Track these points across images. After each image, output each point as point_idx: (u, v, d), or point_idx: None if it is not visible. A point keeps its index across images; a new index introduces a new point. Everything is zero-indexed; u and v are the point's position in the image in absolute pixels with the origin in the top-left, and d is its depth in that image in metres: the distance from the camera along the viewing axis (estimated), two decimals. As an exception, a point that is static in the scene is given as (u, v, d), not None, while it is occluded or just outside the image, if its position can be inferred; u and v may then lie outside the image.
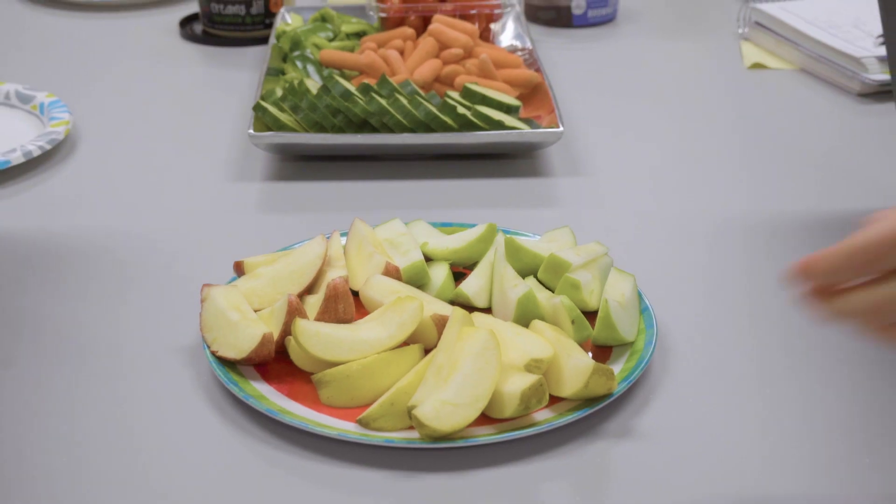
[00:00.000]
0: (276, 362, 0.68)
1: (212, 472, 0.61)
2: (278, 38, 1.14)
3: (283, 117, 0.96)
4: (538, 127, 0.96)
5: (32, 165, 0.95)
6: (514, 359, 0.64)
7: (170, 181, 0.95)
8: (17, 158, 0.93)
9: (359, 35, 1.16)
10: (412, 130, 0.94)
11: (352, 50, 1.12)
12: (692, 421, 0.65)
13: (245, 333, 0.67)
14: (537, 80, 1.05)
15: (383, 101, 0.94)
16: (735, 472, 0.61)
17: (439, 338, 0.66)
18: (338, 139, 0.94)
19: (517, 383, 0.62)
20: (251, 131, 0.93)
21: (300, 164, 0.96)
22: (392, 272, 0.74)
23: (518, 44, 1.18)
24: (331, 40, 1.15)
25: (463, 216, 0.85)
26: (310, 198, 0.92)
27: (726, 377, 0.69)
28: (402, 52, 1.07)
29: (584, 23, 1.32)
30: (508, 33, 1.22)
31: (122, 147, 1.01)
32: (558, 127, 0.95)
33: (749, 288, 0.79)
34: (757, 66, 1.20)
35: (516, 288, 0.72)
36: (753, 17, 1.25)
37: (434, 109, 0.95)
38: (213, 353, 0.67)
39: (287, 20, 1.22)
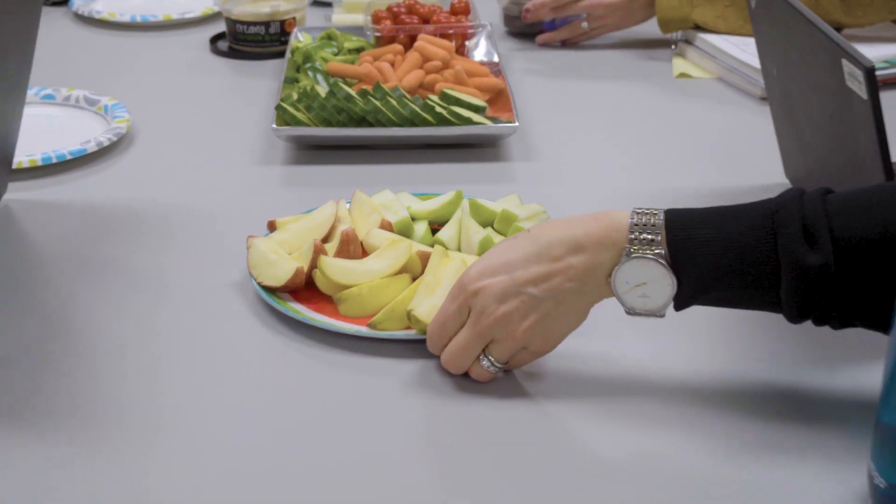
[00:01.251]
0: (304, 290, 0.94)
1: (261, 365, 0.87)
2: (293, 52, 1.41)
3: (299, 115, 1.22)
4: (499, 122, 1.23)
5: (103, 153, 1.22)
6: None
7: (210, 165, 1.21)
8: (91, 147, 1.19)
9: (358, 50, 1.43)
10: (400, 125, 1.20)
11: (352, 62, 1.38)
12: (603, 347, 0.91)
13: (282, 268, 0.93)
14: (501, 86, 1.32)
15: (377, 103, 1.21)
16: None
17: (423, 269, 0.92)
18: (342, 132, 1.21)
19: None
20: (274, 126, 1.20)
21: (312, 151, 1.22)
22: (386, 226, 1.00)
23: (486, 58, 1.45)
24: (335, 54, 1.41)
25: (439, 190, 1.11)
26: (320, 177, 1.18)
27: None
28: (392, 64, 1.33)
29: (551, 27, 1.57)
30: (480, 49, 1.48)
31: (170, 139, 1.27)
32: (514, 123, 1.22)
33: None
34: (683, 75, 1.46)
35: (478, 234, 0.98)
36: (683, 37, 1.52)
37: (417, 109, 1.21)
38: (259, 283, 0.93)
39: (299, 38, 1.48)
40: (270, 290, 0.92)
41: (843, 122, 0.90)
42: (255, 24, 1.50)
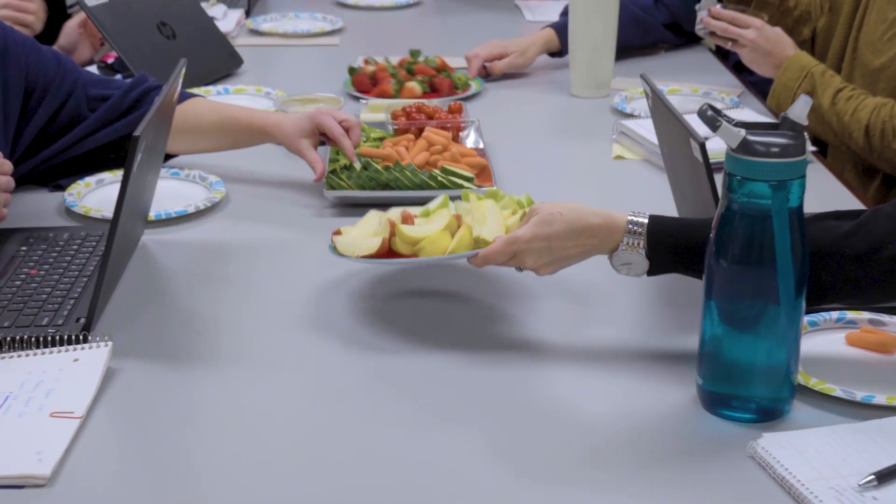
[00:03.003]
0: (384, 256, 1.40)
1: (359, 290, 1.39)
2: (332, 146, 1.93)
3: (342, 183, 1.75)
4: (480, 187, 1.75)
5: (206, 212, 1.74)
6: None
7: (281, 216, 1.73)
8: (199, 207, 1.72)
9: (381, 139, 1.96)
10: (412, 189, 1.73)
11: (377, 147, 1.90)
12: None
13: (370, 243, 1.38)
14: (485, 163, 1.84)
15: (397, 174, 1.73)
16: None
17: (458, 226, 1.39)
18: (372, 194, 1.73)
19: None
20: (325, 190, 1.73)
21: (351, 208, 1.74)
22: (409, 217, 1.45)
23: (474, 145, 1.98)
24: (365, 142, 1.94)
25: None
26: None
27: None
28: (406, 148, 1.86)
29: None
30: (471, 138, 2.01)
31: (252, 201, 1.79)
32: (493, 186, 1.74)
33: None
34: (619, 157, 1.99)
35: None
36: (620, 129, 2.05)
37: (425, 178, 1.74)
38: (357, 256, 1.39)
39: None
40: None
41: (696, 178, 1.42)
42: (304, 120, 2.03)
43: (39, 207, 1.74)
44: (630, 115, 2.14)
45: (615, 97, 2.24)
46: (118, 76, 2.18)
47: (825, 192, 1.81)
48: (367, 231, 1.46)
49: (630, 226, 1.32)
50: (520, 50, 2.43)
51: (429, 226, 1.42)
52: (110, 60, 2.34)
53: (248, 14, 3.00)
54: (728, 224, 1.17)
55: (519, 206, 1.46)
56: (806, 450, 1.12)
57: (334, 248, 1.44)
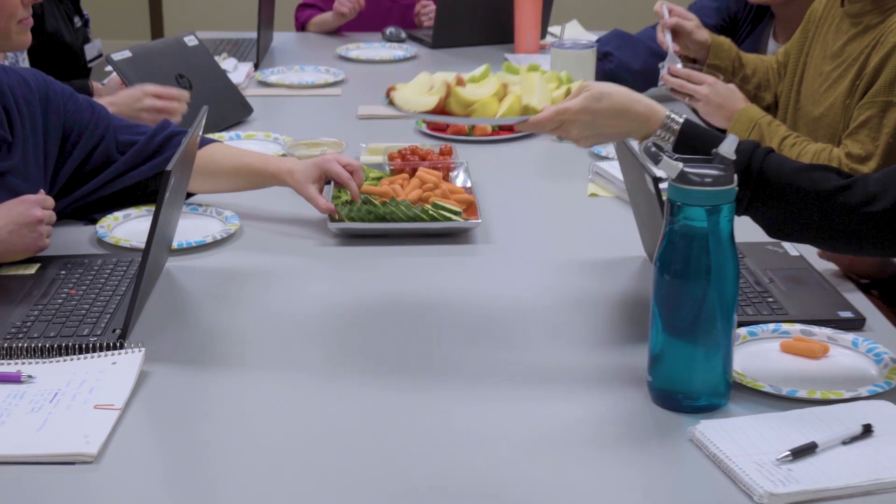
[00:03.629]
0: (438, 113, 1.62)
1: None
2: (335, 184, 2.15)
3: (345, 215, 1.96)
4: (467, 220, 1.96)
5: (222, 241, 1.95)
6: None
7: (291, 246, 1.94)
8: (210, 239, 1.93)
9: (379, 178, 2.17)
10: (406, 221, 1.94)
11: (376, 185, 2.11)
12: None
13: (427, 100, 1.59)
14: (472, 200, 2.06)
15: (393, 208, 1.95)
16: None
17: (505, 94, 1.61)
18: (370, 225, 1.94)
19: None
20: (329, 222, 1.94)
21: (352, 237, 1.96)
22: (461, 81, 1.65)
23: (463, 184, 2.20)
24: (365, 180, 2.15)
25: (432, 262, 1.84)
26: (358, 251, 1.91)
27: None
28: (402, 186, 2.08)
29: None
30: (460, 178, 2.23)
31: (263, 233, 2.01)
32: (478, 220, 1.95)
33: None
34: (593, 194, 2.21)
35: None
36: (595, 170, 2.26)
37: (418, 212, 1.95)
38: (413, 111, 1.60)
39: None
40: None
41: (650, 208, 1.63)
42: (310, 162, 2.25)
43: (75, 238, 1.95)
44: (605, 158, 2.36)
45: (592, 142, 2.46)
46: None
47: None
48: (418, 90, 1.63)
49: (667, 120, 1.57)
50: None
51: (480, 90, 1.61)
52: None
53: (256, 67, 3.24)
54: (670, 244, 1.38)
55: (559, 81, 1.66)
56: (735, 433, 1.33)
57: (390, 102, 1.62)
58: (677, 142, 1.57)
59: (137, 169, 2.02)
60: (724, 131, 2.35)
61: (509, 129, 2.51)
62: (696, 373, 1.40)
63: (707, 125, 1.38)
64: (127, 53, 2.48)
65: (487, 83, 1.65)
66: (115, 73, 2.55)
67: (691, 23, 2.51)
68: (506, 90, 1.63)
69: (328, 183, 2.06)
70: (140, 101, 2.32)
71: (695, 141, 1.56)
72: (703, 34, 2.51)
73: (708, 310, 1.37)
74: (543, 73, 1.67)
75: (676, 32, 2.50)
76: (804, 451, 1.28)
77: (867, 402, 1.40)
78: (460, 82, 1.64)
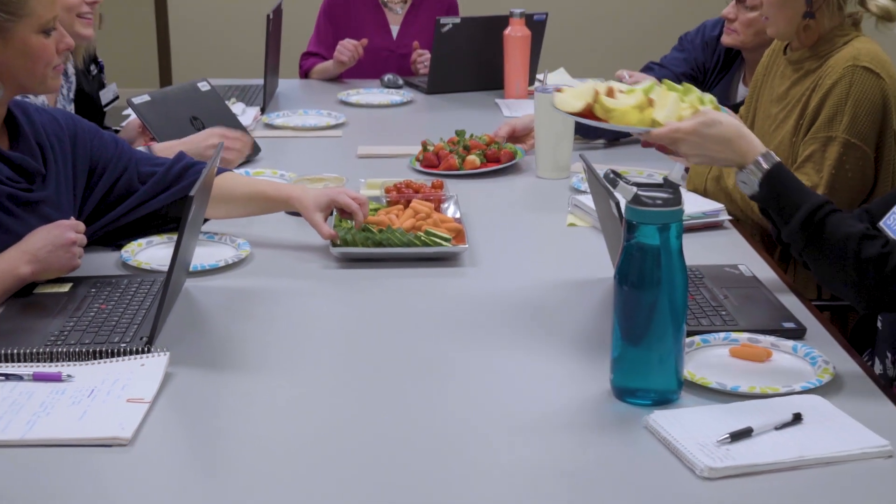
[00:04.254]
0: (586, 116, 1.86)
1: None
2: (335, 214, 2.37)
3: (343, 240, 2.18)
4: (455, 246, 2.18)
5: (234, 265, 2.16)
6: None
7: (295, 269, 2.15)
8: (223, 262, 2.14)
9: (377, 209, 2.39)
10: (400, 246, 2.15)
11: (374, 214, 2.33)
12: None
13: (577, 104, 1.84)
14: (460, 228, 2.27)
15: (388, 235, 2.16)
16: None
17: (648, 106, 1.86)
18: (368, 250, 2.16)
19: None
20: (331, 248, 2.16)
21: (352, 261, 2.17)
22: (612, 91, 1.90)
23: (453, 214, 2.41)
24: (363, 212, 2.37)
25: (424, 283, 2.05)
26: (357, 273, 2.12)
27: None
28: (397, 215, 2.30)
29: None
30: (451, 209, 2.44)
31: (273, 258, 2.22)
32: (465, 246, 2.17)
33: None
34: (571, 224, 2.42)
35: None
36: (574, 203, 2.48)
37: (411, 238, 2.17)
38: (564, 110, 1.86)
39: (340, 204, 2.44)
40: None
41: (615, 229, 1.84)
42: (313, 195, 2.47)
43: (102, 262, 2.16)
44: (583, 192, 2.57)
45: (573, 178, 2.69)
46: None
47: (738, 252, 2.23)
48: (578, 93, 1.90)
49: (760, 158, 1.81)
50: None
51: (624, 100, 1.87)
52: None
53: (263, 111, 3.47)
54: (627, 258, 1.59)
55: (700, 103, 1.90)
56: (683, 420, 1.53)
57: (553, 103, 1.90)
58: (762, 180, 1.81)
59: (158, 197, 2.24)
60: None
61: (496, 160, 2.75)
62: (650, 372, 1.61)
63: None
64: (146, 97, 2.71)
65: (633, 95, 1.90)
66: (134, 116, 2.77)
67: None
68: (651, 104, 1.88)
69: (331, 214, 2.27)
70: (207, 140, 2.57)
71: (778, 185, 1.81)
72: None
73: (660, 316, 1.58)
74: (691, 92, 1.91)
75: None
76: (741, 435, 1.49)
77: (800, 396, 1.61)
78: (610, 92, 1.91)
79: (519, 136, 2.91)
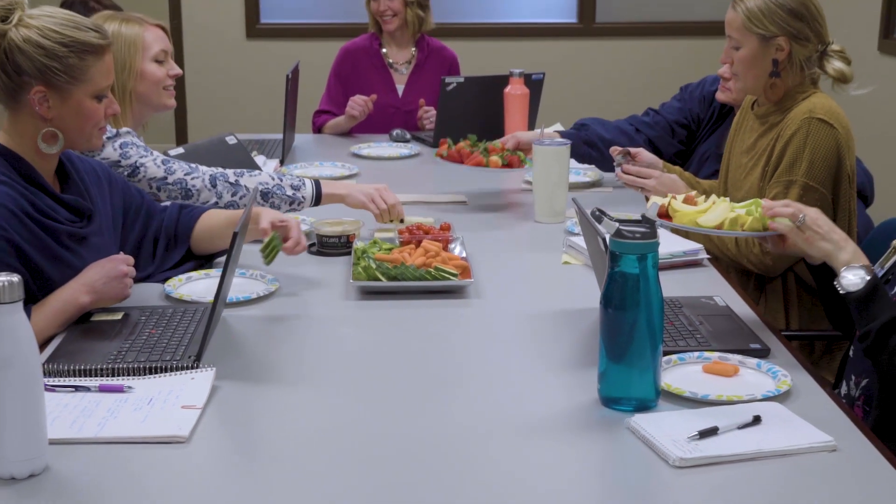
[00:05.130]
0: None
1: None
2: (356, 251, 2.64)
3: (363, 275, 2.44)
4: (462, 280, 2.45)
5: (263, 299, 2.43)
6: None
7: (319, 304, 2.42)
8: (255, 295, 2.41)
9: (391, 248, 2.66)
10: (413, 281, 2.42)
11: (388, 253, 2.60)
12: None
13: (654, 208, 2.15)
14: (466, 266, 2.54)
15: (402, 270, 2.43)
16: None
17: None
18: (383, 284, 2.43)
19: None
20: (351, 280, 2.43)
21: (369, 293, 2.44)
22: (690, 200, 2.27)
23: (459, 253, 2.68)
24: (379, 251, 2.64)
25: (434, 313, 2.32)
26: (374, 303, 2.39)
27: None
28: (410, 254, 2.57)
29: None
30: (457, 249, 2.71)
31: (297, 291, 2.49)
32: (471, 279, 2.44)
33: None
34: (566, 262, 2.69)
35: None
36: (568, 244, 2.75)
37: (421, 273, 2.43)
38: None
39: (357, 244, 2.71)
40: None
41: (602, 263, 2.11)
42: (333, 236, 2.74)
43: (148, 294, 2.43)
44: (577, 234, 2.85)
45: (567, 222, 2.96)
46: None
47: (714, 286, 2.50)
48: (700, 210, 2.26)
49: (863, 271, 2.07)
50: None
51: (691, 208, 2.23)
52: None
53: (282, 163, 3.75)
54: (611, 284, 1.86)
55: (756, 206, 2.20)
56: (660, 422, 1.79)
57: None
58: (866, 286, 2.05)
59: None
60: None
61: (509, 165, 3.25)
62: (632, 383, 1.87)
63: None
64: (181, 150, 2.99)
65: (703, 205, 2.27)
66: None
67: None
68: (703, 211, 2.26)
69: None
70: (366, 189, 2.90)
71: (873, 293, 2.05)
72: (649, 157, 3.09)
73: (640, 334, 1.84)
74: (754, 209, 2.23)
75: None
76: (708, 433, 1.75)
77: (761, 402, 1.87)
78: (688, 200, 2.29)
79: (523, 148, 3.27)
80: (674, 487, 1.65)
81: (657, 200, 2.22)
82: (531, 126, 3.99)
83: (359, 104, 4.20)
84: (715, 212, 2.21)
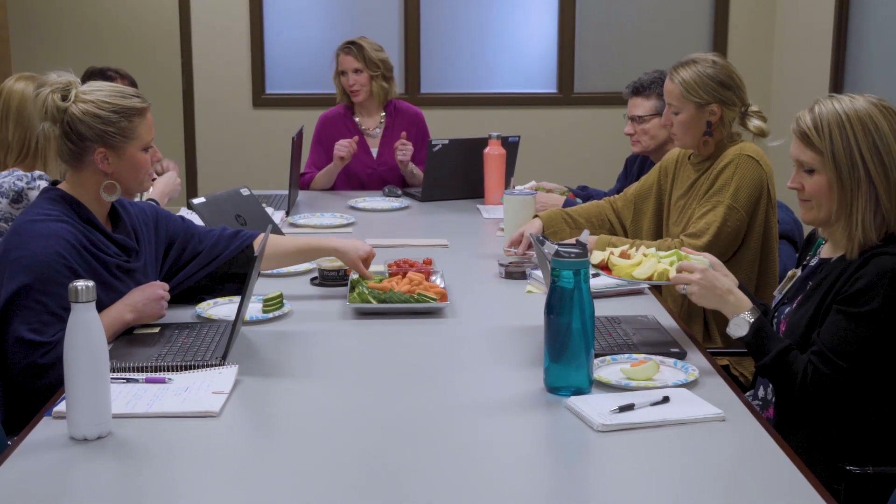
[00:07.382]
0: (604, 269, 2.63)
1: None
2: (351, 281, 3.13)
3: (357, 299, 2.94)
4: (440, 303, 2.94)
5: (276, 319, 2.92)
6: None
7: (319, 322, 2.91)
8: (269, 315, 2.90)
9: (381, 279, 3.15)
10: (399, 303, 2.92)
11: (378, 282, 3.09)
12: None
13: (596, 260, 2.62)
14: (444, 292, 3.03)
15: (391, 295, 2.93)
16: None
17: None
18: (376, 305, 2.92)
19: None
20: (347, 302, 2.92)
21: (362, 315, 2.93)
22: (624, 255, 2.74)
23: (440, 283, 3.18)
24: (372, 281, 3.13)
25: (416, 329, 2.82)
26: (367, 322, 2.88)
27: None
28: (397, 283, 3.06)
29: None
30: (438, 279, 3.21)
31: (304, 312, 2.98)
32: (447, 303, 2.94)
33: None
34: (530, 291, 3.18)
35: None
36: (532, 276, 3.24)
37: (406, 297, 2.93)
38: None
39: (353, 276, 3.20)
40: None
41: (552, 284, 2.61)
42: (332, 270, 3.23)
43: (181, 314, 2.92)
44: (538, 268, 3.34)
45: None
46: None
47: (651, 308, 2.98)
48: (598, 255, 2.77)
49: (748, 314, 2.53)
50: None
51: (626, 261, 2.69)
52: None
53: (287, 213, 4.26)
54: (552, 294, 2.35)
55: (678, 257, 2.68)
56: (590, 401, 2.28)
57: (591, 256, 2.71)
58: (752, 326, 2.52)
59: (219, 257, 3.02)
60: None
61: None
62: (570, 376, 2.35)
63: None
64: (203, 199, 3.50)
65: (636, 258, 2.75)
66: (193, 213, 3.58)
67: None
68: (639, 264, 2.74)
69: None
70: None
71: (759, 332, 2.51)
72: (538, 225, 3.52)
73: (575, 336, 2.33)
74: (683, 258, 2.70)
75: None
76: (626, 407, 2.24)
77: (671, 388, 2.35)
78: (623, 255, 2.76)
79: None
80: (598, 446, 2.13)
81: (598, 253, 2.75)
82: (507, 183, 4.52)
83: (344, 146, 4.70)
84: (645, 265, 2.69)
